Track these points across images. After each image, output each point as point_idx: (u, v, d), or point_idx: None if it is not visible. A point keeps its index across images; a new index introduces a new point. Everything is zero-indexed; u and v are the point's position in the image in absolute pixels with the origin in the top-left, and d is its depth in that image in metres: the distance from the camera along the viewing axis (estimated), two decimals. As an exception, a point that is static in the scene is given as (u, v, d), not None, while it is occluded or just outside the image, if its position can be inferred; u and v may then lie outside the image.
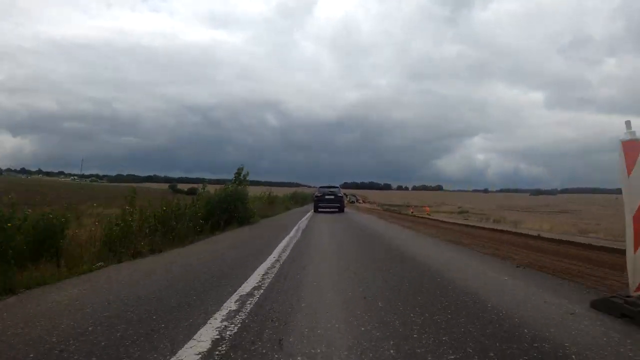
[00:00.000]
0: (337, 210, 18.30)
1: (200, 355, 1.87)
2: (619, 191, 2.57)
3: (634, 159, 2.47)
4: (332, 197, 18.59)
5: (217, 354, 1.89)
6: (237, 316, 2.49)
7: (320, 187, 20.22)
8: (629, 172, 2.49)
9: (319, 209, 18.17)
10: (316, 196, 19.26)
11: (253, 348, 1.96)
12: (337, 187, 20.12)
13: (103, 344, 2.02)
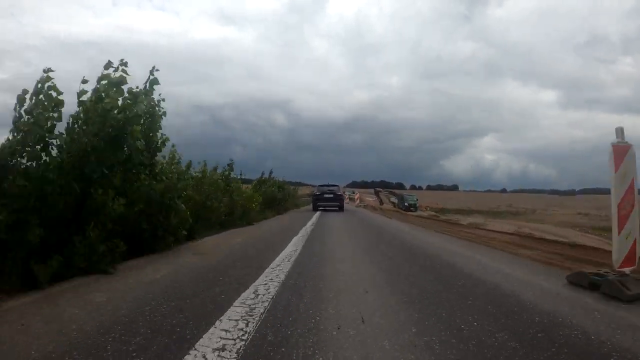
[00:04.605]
0: (336, 209, 18.02)
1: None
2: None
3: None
4: (331, 195, 18.30)
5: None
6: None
7: (320, 185, 19.89)
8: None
9: (318, 208, 18.11)
10: (315, 195, 19.05)
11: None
12: (336, 186, 19.55)
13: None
